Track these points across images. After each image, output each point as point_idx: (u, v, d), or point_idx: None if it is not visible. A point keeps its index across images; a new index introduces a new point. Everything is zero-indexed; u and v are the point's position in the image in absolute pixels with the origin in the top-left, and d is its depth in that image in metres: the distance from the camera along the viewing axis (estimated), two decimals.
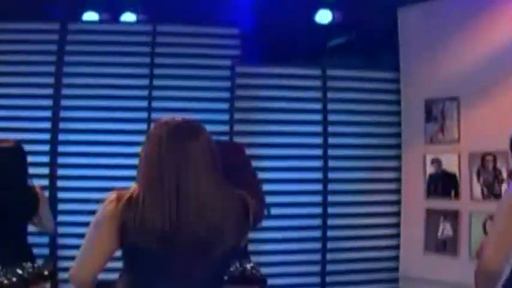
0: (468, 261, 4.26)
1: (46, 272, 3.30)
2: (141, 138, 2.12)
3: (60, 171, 4.52)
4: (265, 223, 2.83)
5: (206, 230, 1.82)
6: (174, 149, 1.85)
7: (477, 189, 4.31)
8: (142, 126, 4.46)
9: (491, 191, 4.22)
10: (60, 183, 4.50)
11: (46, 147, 4.50)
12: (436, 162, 4.58)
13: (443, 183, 4.53)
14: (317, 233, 4.80)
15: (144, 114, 4.60)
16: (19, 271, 3.18)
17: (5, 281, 3.09)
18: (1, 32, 4.53)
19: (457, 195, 4.45)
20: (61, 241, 4.39)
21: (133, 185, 1.89)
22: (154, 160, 1.86)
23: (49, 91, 4.54)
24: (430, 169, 4.62)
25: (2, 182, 3.24)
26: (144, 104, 4.63)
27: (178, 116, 1.98)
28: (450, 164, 4.49)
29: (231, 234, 1.89)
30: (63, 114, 4.54)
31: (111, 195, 1.86)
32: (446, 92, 4.53)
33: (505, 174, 4.13)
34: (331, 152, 4.83)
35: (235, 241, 1.94)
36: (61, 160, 4.53)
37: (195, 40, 4.77)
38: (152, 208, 1.80)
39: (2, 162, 3.29)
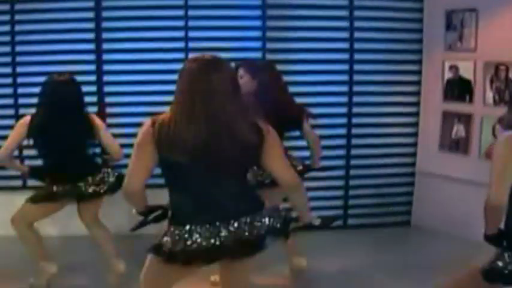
0: (477, 160, 4.84)
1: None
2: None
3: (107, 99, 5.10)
4: None
5: (230, 146, 2.37)
6: (202, 80, 2.37)
7: (489, 95, 4.75)
8: (180, 55, 4.95)
9: (502, 98, 4.66)
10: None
11: (93, 77, 5.02)
12: (454, 68, 4.99)
13: (459, 88, 4.98)
14: (342, 131, 5.35)
15: (181, 34, 5.04)
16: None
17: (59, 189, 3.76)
18: None
19: (471, 99, 4.91)
20: None
21: (166, 111, 2.44)
22: (186, 89, 2.39)
23: (91, 25, 4.99)
24: (448, 74, 5.05)
25: (62, 111, 3.77)
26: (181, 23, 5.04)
27: (208, 54, 2.50)
28: (466, 70, 4.90)
29: (250, 150, 2.46)
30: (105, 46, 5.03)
31: (148, 120, 2.43)
32: (466, 4, 4.84)
33: None
34: (357, 56, 5.23)
35: (254, 157, 2.50)
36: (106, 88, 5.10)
37: None
38: (184, 127, 2.34)
39: (61, 93, 3.81)
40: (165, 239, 2.42)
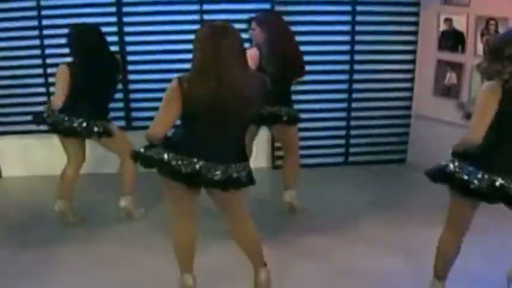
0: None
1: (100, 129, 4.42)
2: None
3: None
4: None
5: (233, 103, 2.98)
6: (213, 46, 2.94)
7: (480, 47, 5.25)
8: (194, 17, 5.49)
9: None
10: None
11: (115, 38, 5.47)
12: (448, 21, 5.47)
13: (452, 40, 5.47)
14: (345, 77, 5.89)
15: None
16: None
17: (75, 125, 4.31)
18: None
19: (463, 50, 5.41)
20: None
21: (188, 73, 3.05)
22: (200, 55, 2.98)
23: None
24: (443, 26, 5.53)
25: (97, 54, 4.36)
26: None
27: (219, 21, 3.20)
28: (460, 23, 5.38)
29: (255, 105, 3.15)
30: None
31: (175, 79, 3.02)
32: None
33: None
34: (358, 7, 5.68)
35: (258, 108, 3.25)
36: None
37: None
38: (200, 86, 2.95)
39: (93, 39, 4.38)
40: (174, 162, 3.05)
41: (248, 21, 4.51)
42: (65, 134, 4.41)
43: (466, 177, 3.03)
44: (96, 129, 4.39)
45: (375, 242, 4.37)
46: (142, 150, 3.14)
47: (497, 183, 2.97)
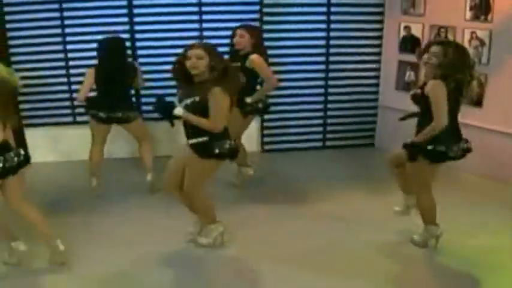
0: None
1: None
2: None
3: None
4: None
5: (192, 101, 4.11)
6: None
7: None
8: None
9: None
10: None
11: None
12: (407, 28, 6.76)
13: (411, 44, 6.76)
14: (321, 75, 7.13)
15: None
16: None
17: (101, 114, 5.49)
18: None
19: None
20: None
21: None
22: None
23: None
24: (403, 33, 6.81)
25: (118, 60, 5.52)
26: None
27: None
28: (417, 30, 6.67)
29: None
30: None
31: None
32: None
33: None
34: (333, 17, 6.91)
35: None
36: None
37: None
38: None
39: (116, 47, 5.56)
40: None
41: (236, 28, 5.52)
42: (103, 121, 5.55)
43: (444, 149, 4.30)
44: (120, 115, 5.56)
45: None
46: None
47: (465, 147, 4.39)
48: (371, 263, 4.47)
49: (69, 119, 6.83)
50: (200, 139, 4.19)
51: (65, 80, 6.72)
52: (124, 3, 6.54)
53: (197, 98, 4.08)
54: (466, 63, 4.25)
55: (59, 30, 6.56)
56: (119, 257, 4.52)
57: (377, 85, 7.24)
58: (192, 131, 4.23)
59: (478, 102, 6.14)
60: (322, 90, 7.19)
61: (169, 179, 4.51)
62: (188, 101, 4.13)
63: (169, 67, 4.35)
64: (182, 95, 4.24)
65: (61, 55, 6.64)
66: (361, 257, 4.57)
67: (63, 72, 6.69)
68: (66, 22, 6.54)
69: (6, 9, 6.33)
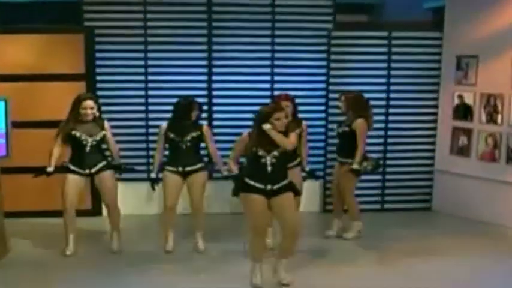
0: (476, 161, 7.70)
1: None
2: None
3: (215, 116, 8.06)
4: None
5: (279, 151, 5.20)
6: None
7: (483, 116, 7.61)
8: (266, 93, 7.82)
9: (491, 118, 7.54)
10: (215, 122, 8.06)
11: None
12: (460, 97, 7.84)
13: (463, 111, 7.82)
14: (381, 140, 8.19)
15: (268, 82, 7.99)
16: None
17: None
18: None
19: (471, 119, 7.75)
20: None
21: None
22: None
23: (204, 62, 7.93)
24: (456, 101, 7.89)
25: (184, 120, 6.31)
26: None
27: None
28: (469, 99, 7.74)
29: None
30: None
31: (244, 133, 5.30)
32: (471, 51, 7.67)
33: (500, 109, 7.41)
34: (392, 87, 8.09)
35: None
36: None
37: None
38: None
39: (185, 109, 6.27)
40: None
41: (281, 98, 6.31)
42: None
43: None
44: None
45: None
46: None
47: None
48: None
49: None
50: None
51: (143, 138, 7.98)
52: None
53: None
54: None
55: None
56: None
57: (433, 150, 8.22)
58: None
59: None
60: (381, 154, 8.14)
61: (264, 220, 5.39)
62: (276, 152, 5.19)
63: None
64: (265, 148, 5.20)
65: (142, 115, 7.96)
66: None
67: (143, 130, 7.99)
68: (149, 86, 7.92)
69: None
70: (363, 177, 7.63)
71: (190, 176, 6.27)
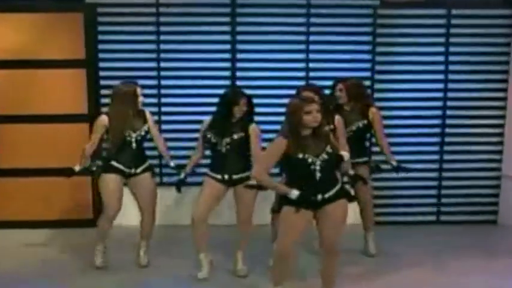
0: None
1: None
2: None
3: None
4: None
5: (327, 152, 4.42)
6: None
7: None
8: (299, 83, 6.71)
9: None
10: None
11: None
12: None
13: None
14: (437, 139, 7.11)
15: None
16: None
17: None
18: None
19: None
20: None
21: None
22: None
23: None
24: None
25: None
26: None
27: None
28: None
29: None
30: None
31: (279, 137, 4.46)
32: None
33: None
34: (450, 76, 7.00)
35: None
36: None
37: None
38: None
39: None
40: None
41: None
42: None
43: None
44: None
45: None
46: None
47: None
48: None
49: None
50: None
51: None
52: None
53: (330, 149, 4.48)
54: None
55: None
56: None
57: (500, 152, 7.18)
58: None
59: None
60: (437, 155, 7.18)
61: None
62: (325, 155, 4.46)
63: None
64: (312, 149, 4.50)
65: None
66: None
67: None
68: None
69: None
70: (414, 183, 7.17)
71: (237, 186, 5.45)
